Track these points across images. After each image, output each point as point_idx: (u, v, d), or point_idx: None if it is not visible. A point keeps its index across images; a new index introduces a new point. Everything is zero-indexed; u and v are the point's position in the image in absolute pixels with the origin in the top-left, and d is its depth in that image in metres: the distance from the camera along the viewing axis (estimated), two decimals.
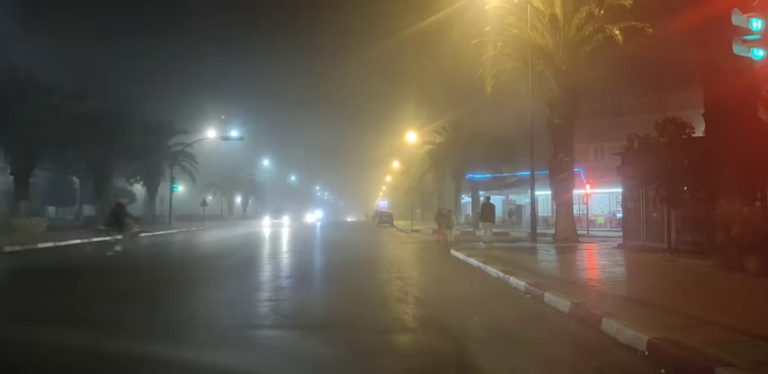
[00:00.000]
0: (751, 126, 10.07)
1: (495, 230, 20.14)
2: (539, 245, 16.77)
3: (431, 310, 6.94)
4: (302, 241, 24.14)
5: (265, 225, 45.57)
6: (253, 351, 4.94)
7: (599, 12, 16.98)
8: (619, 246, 15.04)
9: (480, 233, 21.52)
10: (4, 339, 5.02)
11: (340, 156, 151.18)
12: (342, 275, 11.17)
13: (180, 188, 44.98)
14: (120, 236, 13.67)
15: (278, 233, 31.71)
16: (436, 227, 22.51)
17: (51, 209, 45.92)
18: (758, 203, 10.32)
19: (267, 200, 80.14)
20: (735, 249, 9.17)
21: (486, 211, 18.82)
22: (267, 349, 5.06)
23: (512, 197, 41.37)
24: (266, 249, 18.87)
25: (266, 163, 78.17)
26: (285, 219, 51.98)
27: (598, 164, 32.17)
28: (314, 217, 77.20)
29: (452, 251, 15.21)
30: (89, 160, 33.17)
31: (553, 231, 19.21)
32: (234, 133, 38.33)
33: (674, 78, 26.30)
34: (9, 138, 26.69)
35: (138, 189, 43.33)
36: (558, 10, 17.91)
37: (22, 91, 26.39)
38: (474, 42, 18.91)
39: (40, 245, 17.25)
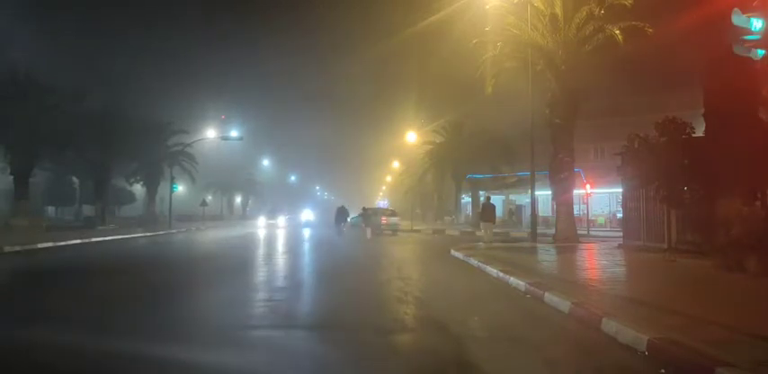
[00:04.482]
0: (751, 126, 10.06)
1: (495, 230, 20.13)
2: (539, 245, 16.74)
3: (431, 310, 6.94)
4: (301, 240, 24.11)
5: (261, 225, 45.38)
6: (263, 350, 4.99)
7: (599, 11, 16.97)
8: (619, 246, 15.03)
9: (480, 233, 21.51)
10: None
11: (340, 156, 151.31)
12: (342, 276, 11.15)
13: (180, 188, 44.87)
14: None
15: (273, 234, 31.67)
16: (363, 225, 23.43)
17: (51, 209, 45.85)
18: (758, 203, 10.31)
19: (267, 200, 79.84)
20: (735, 249, 9.16)
21: (487, 211, 18.81)
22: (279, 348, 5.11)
23: (512, 197, 41.27)
24: (262, 250, 18.87)
25: (266, 163, 77.96)
26: (281, 220, 51.66)
27: (598, 164, 32.22)
28: (304, 217, 55.82)
29: (452, 251, 15.19)
30: (89, 160, 33.07)
31: (553, 231, 19.19)
32: (233, 133, 38.22)
33: (674, 78, 26.30)
34: (9, 138, 26.65)
35: (138, 189, 43.25)
36: (558, 10, 17.89)
37: (22, 91, 26.31)
38: (474, 42, 18.91)
39: (40, 245, 17.25)
